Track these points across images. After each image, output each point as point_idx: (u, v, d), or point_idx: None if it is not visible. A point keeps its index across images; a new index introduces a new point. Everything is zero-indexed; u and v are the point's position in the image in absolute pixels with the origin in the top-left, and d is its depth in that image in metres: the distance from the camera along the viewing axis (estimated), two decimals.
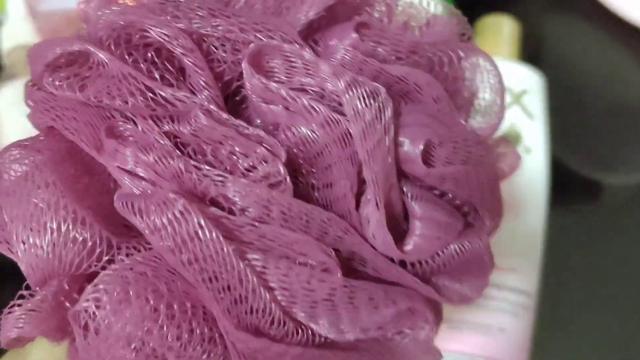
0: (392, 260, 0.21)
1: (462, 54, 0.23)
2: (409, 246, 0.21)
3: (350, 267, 0.22)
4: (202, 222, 0.18)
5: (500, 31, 0.50)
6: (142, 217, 0.19)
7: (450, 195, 0.22)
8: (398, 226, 0.22)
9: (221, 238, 0.19)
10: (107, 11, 0.20)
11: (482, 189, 0.22)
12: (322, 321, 0.20)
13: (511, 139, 0.44)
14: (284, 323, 0.20)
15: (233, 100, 0.22)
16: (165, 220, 0.19)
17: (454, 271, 0.22)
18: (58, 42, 0.20)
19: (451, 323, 0.39)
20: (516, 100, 0.45)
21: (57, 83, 0.20)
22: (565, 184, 0.49)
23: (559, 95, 0.51)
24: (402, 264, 0.22)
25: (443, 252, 0.22)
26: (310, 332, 0.21)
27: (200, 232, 0.18)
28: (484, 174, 0.23)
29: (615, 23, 0.56)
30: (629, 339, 0.47)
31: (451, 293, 0.23)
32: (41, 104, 0.21)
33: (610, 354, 0.47)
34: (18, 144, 0.20)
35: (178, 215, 0.19)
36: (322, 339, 0.21)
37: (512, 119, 0.45)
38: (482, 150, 0.23)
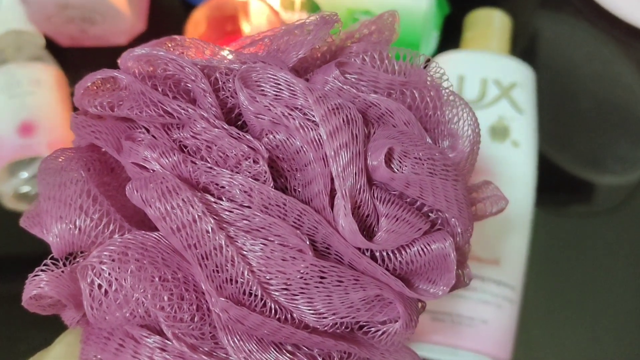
0: (363, 253, 0.24)
1: (432, 92, 0.27)
2: (376, 238, 0.24)
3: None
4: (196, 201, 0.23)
5: (492, 24, 0.51)
6: (147, 200, 0.23)
7: (419, 203, 0.26)
8: (371, 227, 0.25)
9: (207, 214, 0.22)
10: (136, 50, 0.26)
11: (448, 198, 0.25)
12: (298, 300, 0.23)
13: (499, 133, 0.44)
14: (262, 298, 0.23)
15: (235, 126, 0.26)
16: (169, 206, 0.23)
17: (421, 268, 0.25)
18: (90, 75, 0.26)
19: (434, 315, 0.40)
20: (505, 93, 0.46)
21: (96, 103, 0.25)
22: (555, 184, 0.50)
23: (550, 93, 0.52)
24: (373, 259, 0.25)
25: (409, 248, 0.25)
26: (290, 316, 0.24)
27: (192, 209, 0.23)
28: (451, 187, 0.26)
29: (607, 20, 0.56)
30: (615, 337, 0.47)
31: (418, 288, 0.25)
32: (82, 125, 0.26)
33: (596, 351, 0.46)
34: (61, 148, 0.26)
35: (181, 203, 0.23)
36: (302, 325, 0.24)
37: (501, 113, 0.45)
38: (449, 167, 0.26)
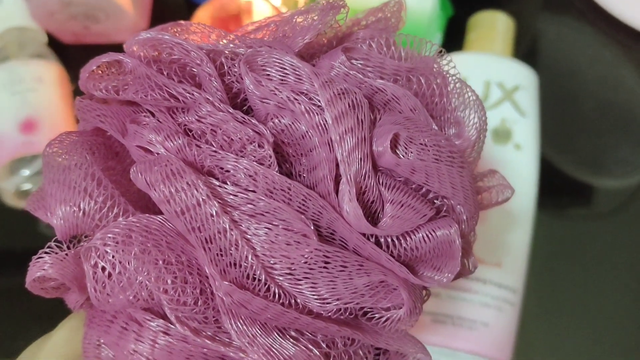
0: (368, 239, 0.24)
1: (438, 79, 0.27)
2: (381, 224, 0.24)
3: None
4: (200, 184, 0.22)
5: (495, 27, 0.51)
6: (152, 183, 0.23)
7: (424, 189, 0.25)
8: (376, 213, 0.25)
9: (211, 197, 0.22)
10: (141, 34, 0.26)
11: (454, 185, 0.25)
12: (302, 285, 0.23)
13: (502, 135, 0.44)
14: (266, 283, 0.23)
15: (241, 111, 0.26)
16: (173, 189, 0.23)
17: (426, 255, 0.25)
18: (96, 59, 0.26)
19: (435, 317, 0.40)
20: (508, 96, 0.46)
21: (101, 87, 0.25)
22: (556, 186, 0.49)
23: (551, 95, 0.51)
24: (378, 245, 0.25)
25: (414, 235, 0.25)
26: (294, 301, 0.24)
27: (197, 193, 0.22)
28: (457, 174, 0.26)
29: (610, 23, 0.56)
30: (615, 340, 0.47)
31: (423, 275, 0.25)
32: (87, 109, 0.26)
33: (596, 353, 0.46)
34: (66, 132, 0.25)
35: (185, 186, 0.23)
36: (305, 310, 0.24)
37: (504, 115, 0.45)
38: (455, 154, 0.26)
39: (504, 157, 0.45)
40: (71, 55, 0.57)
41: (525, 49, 0.56)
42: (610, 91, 0.55)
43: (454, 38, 0.55)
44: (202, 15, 0.49)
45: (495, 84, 0.47)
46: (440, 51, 0.28)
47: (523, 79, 0.47)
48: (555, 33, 0.58)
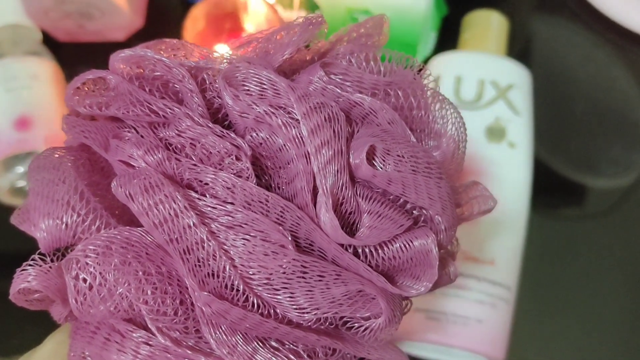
0: (346, 249, 0.25)
1: (417, 92, 0.28)
2: (358, 234, 0.24)
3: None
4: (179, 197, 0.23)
5: (489, 26, 0.51)
6: (131, 195, 0.24)
7: (402, 200, 0.26)
8: (354, 224, 0.25)
9: (189, 209, 0.23)
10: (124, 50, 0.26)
11: (431, 196, 0.26)
12: (280, 295, 0.24)
13: (496, 134, 0.45)
14: (244, 293, 0.24)
15: (223, 125, 0.27)
16: (151, 201, 0.23)
17: (404, 264, 0.25)
18: (80, 76, 0.26)
19: (429, 314, 0.40)
20: (502, 94, 0.46)
21: (85, 104, 0.26)
22: (548, 186, 0.49)
23: (544, 95, 0.51)
24: (357, 255, 0.25)
25: (391, 244, 0.25)
26: (273, 311, 0.24)
27: (174, 204, 0.23)
28: (434, 185, 0.26)
29: (603, 23, 0.56)
30: (607, 337, 0.47)
31: (401, 284, 0.25)
32: (72, 125, 0.27)
33: (588, 350, 0.46)
34: (52, 147, 0.26)
35: (163, 198, 0.23)
36: (284, 321, 0.24)
37: (498, 114, 0.46)
38: (432, 165, 0.26)
39: (498, 156, 0.46)
40: (66, 52, 0.57)
41: (519, 49, 0.56)
42: (603, 91, 0.56)
43: (448, 37, 0.55)
44: (197, 13, 0.49)
45: (489, 83, 0.47)
46: (420, 65, 0.28)
47: (517, 78, 0.48)
48: (549, 32, 0.58)
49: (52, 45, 0.56)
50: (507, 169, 0.45)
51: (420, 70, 0.28)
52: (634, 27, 0.55)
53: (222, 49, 0.51)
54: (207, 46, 0.50)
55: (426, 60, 0.53)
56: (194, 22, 0.49)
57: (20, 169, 0.49)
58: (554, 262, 0.49)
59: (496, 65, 0.49)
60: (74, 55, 0.58)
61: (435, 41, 0.56)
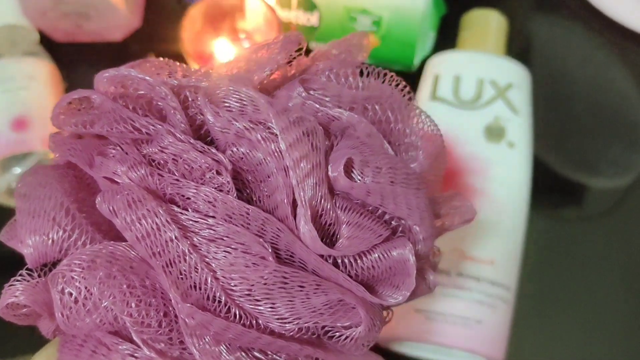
0: (326, 260, 0.25)
1: (394, 106, 0.28)
2: (337, 245, 0.25)
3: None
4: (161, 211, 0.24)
5: (488, 25, 0.51)
6: (115, 210, 0.24)
7: (380, 211, 0.26)
8: (334, 236, 0.26)
9: (171, 222, 0.24)
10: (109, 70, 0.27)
11: (410, 206, 0.26)
12: (261, 306, 0.24)
13: (495, 133, 0.45)
14: (226, 304, 0.24)
15: (205, 141, 0.28)
16: (134, 216, 0.24)
17: (382, 274, 0.26)
18: (66, 96, 0.27)
19: (428, 314, 0.40)
20: (501, 94, 0.46)
21: (71, 122, 0.27)
22: (547, 186, 0.49)
23: (543, 95, 0.51)
24: (336, 265, 0.26)
25: (369, 254, 0.26)
26: (255, 322, 0.25)
27: (157, 219, 0.24)
28: (412, 195, 0.27)
29: (602, 22, 0.56)
30: (606, 338, 0.47)
31: (380, 294, 0.26)
32: (59, 143, 0.27)
33: (587, 351, 0.46)
34: (40, 165, 0.27)
35: (145, 212, 0.24)
36: (267, 331, 0.25)
37: (497, 113, 0.45)
38: (410, 176, 0.27)
39: (497, 155, 0.46)
40: (63, 53, 0.56)
41: (518, 48, 0.56)
42: (602, 91, 0.55)
43: (447, 36, 0.55)
44: (195, 12, 0.49)
45: (489, 82, 0.47)
46: (397, 80, 0.29)
47: (516, 77, 0.48)
48: (548, 32, 0.58)
49: (50, 45, 0.55)
50: (506, 168, 0.45)
51: (397, 84, 0.29)
52: (634, 27, 0.55)
53: (222, 44, 0.51)
54: (205, 46, 0.51)
55: (425, 60, 0.53)
56: (192, 22, 0.49)
57: (18, 170, 0.48)
58: (553, 262, 0.49)
59: (495, 64, 0.49)
60: (72, 56, 0.57)
61: (434, 40, 0.56)
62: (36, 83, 0.51)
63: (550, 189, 0.52)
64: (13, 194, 0.48)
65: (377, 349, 0.43)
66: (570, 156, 0.53)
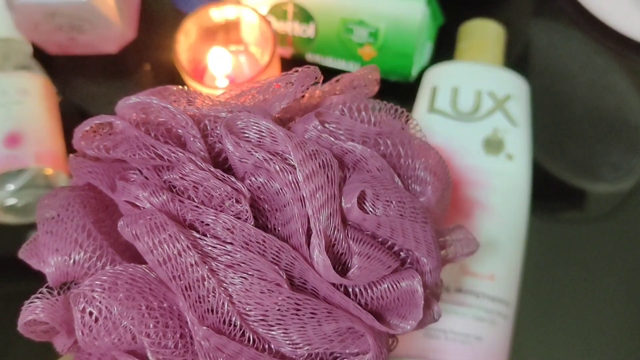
0: (337, 288, 0.26)
1: (405, 141, 0.29)
2: (349, 274, 0.26)
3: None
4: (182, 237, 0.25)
5: (486, 36, 0.50)
6: (137, 234, 0.25)
7: (390, 242, 0.28)
8: (345, 264, 0.27)
9: (191, 248, 0.25)
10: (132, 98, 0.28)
11: (417, 239, 0.27)
12: (274, 331, 0.25)
13: (493, 145, 0.44)
14: (241, 328, 0.25)
15: (223, 168, 0.29)
16: (156, 241, 0.25)
17: (391, 304, 0.27)
18: (89, 120, 0.28)
19: (428, 331, 0.39)
20: (500, 105, 0.45)
21: (93, 146, 0.28)
22: (548, 191, 0.49)
23: (543, 102, 0.51)
24: (347, 294, 0.27)
25: (379, 284, 0.27)
26: (268, 346, 0.26)
27: (178, 244, 0.25)
28: (420, 228, 0.28)
29: (601, 30, 0.55)
30: (608, 347, 0.46)
31: (388, 322, 0.27)
32: (79, 166, 0.28)
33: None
34: (60, 187, 0.28)
35: (167, 237, 0.25)
36: (278, 355, 0.26)
37: (495, 125, 0.45)
38: (418, 210, 0.28)
39: (496, 168, 0.45)
40: (57, 66, 0.55)
41: (516, 57, 0.55)
42: (602, 97, 0.55)
43: (444, 47, 0.55)
44: (190, 24, 0.49)
45: (487, 94, 0.47)
46: (407, 116, 0.30)
47: (514, 89, 0.47)
48: (546, 40, 0.58)
49: (43, 58, 0.54)
50: (505, 181, 0.44)
51: (407, 120, 0.30)
52: (632, 34, 0.55)
53: (216, 57, 0.51)
54: (199, 58, 0.51)
55: (423, 71, 0.52)
56: (186, 34, 0.49)
57: (11, 187, 0.47)
58: (554, 267, 0.48)
59: (493, 75, 0.48)
60: (66, 69, 0.56)
61: (431, 51, 0.55)
62: (29, 98, 0.49)
63: (551, 194, 0.51)
64: (6, 211, 0.47)
65: None
66: (571, 161, 0.52)
